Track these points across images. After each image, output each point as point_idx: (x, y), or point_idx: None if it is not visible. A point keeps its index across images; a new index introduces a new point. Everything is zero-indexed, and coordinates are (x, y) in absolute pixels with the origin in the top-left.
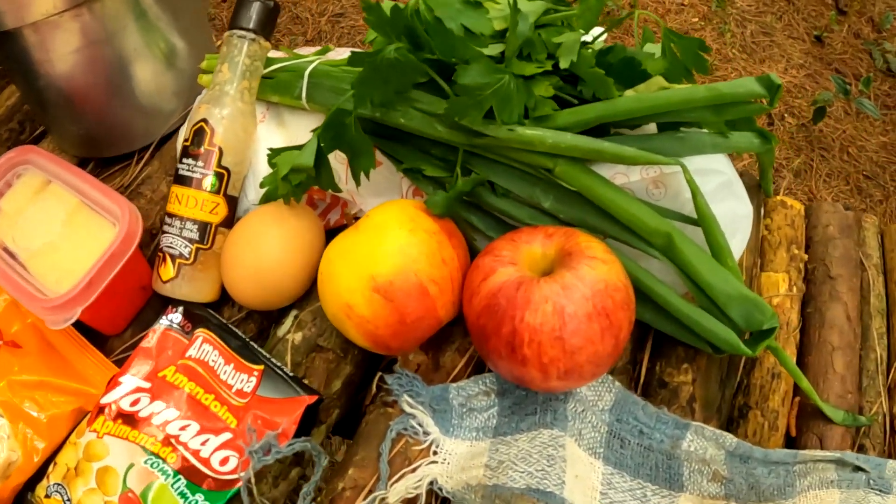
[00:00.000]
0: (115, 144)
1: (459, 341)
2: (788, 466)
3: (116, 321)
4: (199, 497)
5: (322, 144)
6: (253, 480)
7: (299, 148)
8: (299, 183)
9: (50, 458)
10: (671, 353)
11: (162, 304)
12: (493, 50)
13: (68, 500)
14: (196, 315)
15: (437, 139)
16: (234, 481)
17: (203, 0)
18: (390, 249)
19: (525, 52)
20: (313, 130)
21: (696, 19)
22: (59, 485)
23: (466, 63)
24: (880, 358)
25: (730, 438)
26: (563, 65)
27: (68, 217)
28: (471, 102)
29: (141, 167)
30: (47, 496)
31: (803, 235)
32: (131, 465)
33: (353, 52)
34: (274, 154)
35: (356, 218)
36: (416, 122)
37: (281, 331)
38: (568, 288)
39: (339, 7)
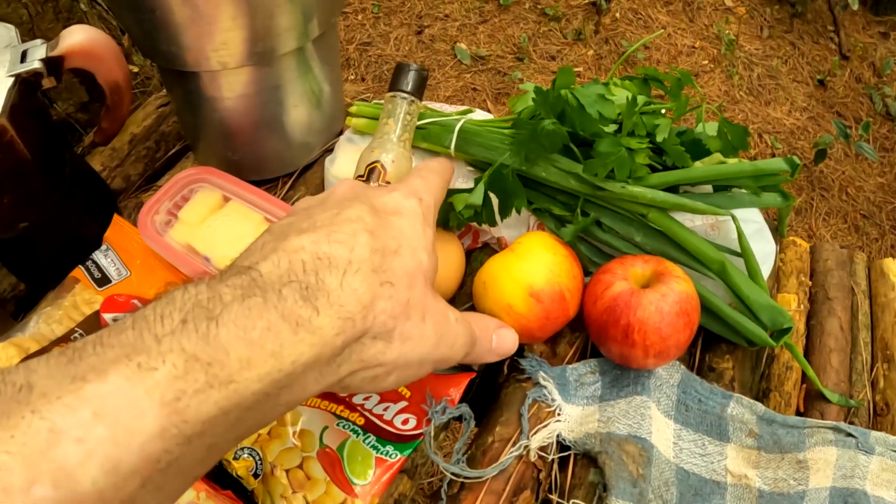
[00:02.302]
0: (263, 170)
1: (569, 336)
2: (800, 429)
3: None
4: (390, 448)
5: (486, 188)
6: (433, 433)
7: (469, 190)
8: (468, 217)
9: None
10: (717, 347)
11: None
12: (612, 129)
13: (260, 459)
14: None
15: (566, 189)
16: (416, 436)
17: (338, 52)
18: (541, 266)
19: (632, 131)
20: (476, 179)
21: (707, 62)
22: (249, 448)
23: (598, 137)
24: (865, 360)
25: (760, 406)
26: (658, 140)
27: (256, 229)
28: (600, 165)
29: (287, 191)
30: (235, 458)
31: (808, 267)
32: (325, 427)
33: (516, 120)
34: (448, 194)
35: (486, 244)
36: (554, 175)
37: None
38: (664, 295)
39: (366, 36)
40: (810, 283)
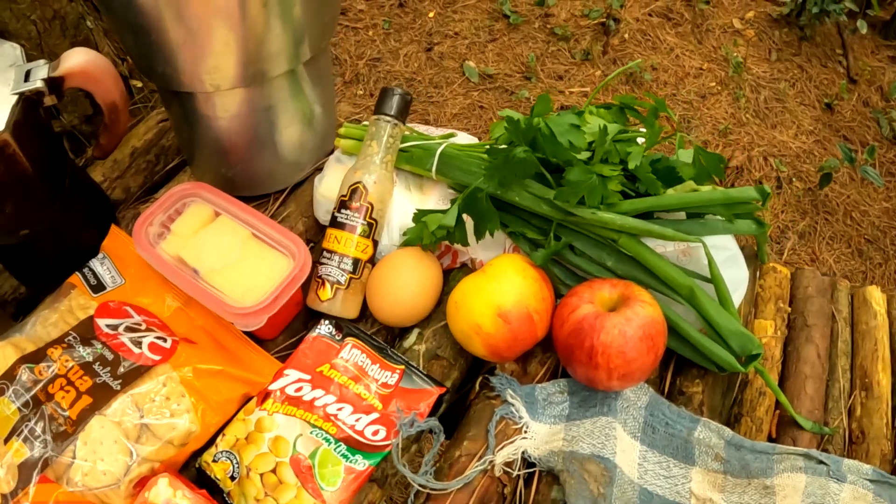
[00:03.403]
0: (256, 187)
1: (540, 356)
2: (769, 455)
3: (275, 328)
4: (359, 457)
5: (460, 210)
6: (401, 444)
7: (443, 212)
8: (441, 237)
9: (217, 433)
10: (688, 371)
11: (308, 317)
12: (584, 156)
13: (237, 463)
14: (343, 327)
15: (539, 213)
16: (385, 446)
17: (333, 74)
18: (510, 288)
19: (604, 158)
20: (452, 200)
21: (714, 84)
22: (228, 452)
23: (570, 164)
24: (843, 388)
25: (728, 431)
26: (630, 167)
27: (242, 244)
28: (571, 192)
29: (277, 207)
30: (214, 461)
31: (788, 293)
32: (299, 435)
33: (490, 147)
34: (421, 214)
35: (464, 264)
36: (527, 200)
37: (407, 343)
38: (629, 319)
39: (376, 52)
40: (790, 309)
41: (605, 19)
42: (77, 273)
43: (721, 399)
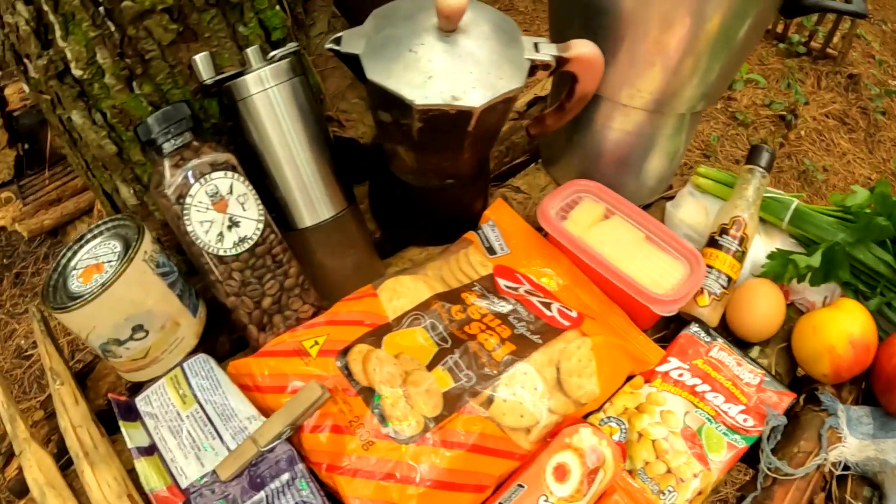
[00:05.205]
0: None
1: (849, 385)
2: None
3: (650, 321)
4: (737, 437)
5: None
6: (769, 431)
7: (808, 254)
8: (803, 274)
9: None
10: None
11: (670, 318)
12: None
13: (625, 428)
14: (710, 329)
15: (876, 271)
16: (756, 432)
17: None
18: (859, 323)
19: None
20: (806, 246)
21: None
22: (615, 418)
23: None
24: None
25: None
26: None
27: (638, 243)
28: None
29: None
30: (601, 423)
31: None
32: (686, 412)
33: (856, 212)
34: (784, 254)
35: (792, 302)
36: (869, 259)
37: (752, 353)
38: None
39: None
40: None
41: (785, 112)
42: (473, 232)
43: None
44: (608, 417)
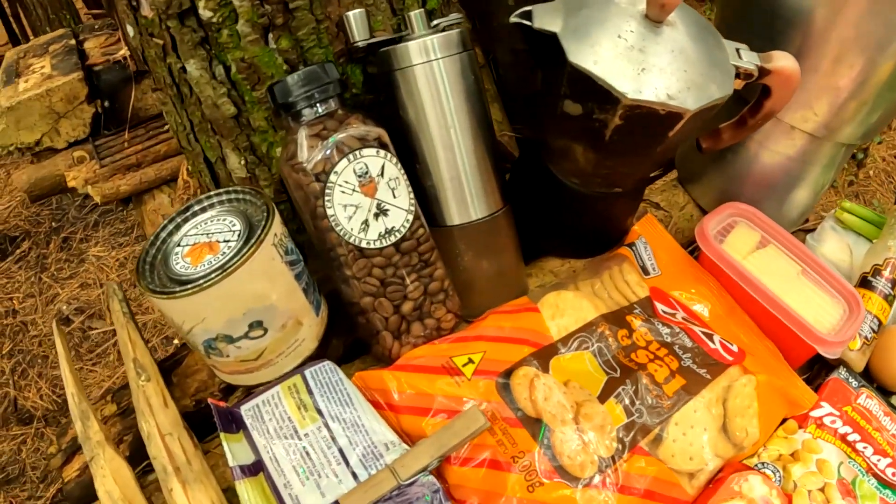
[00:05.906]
0: None
1: None
2: None
3: (797, 361)
4: (888, 492)
5: None
6: None
7: None
8: None
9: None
10: None
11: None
12: None
13: (781, 476)
14: (857, 375)
15: None
16: None
17: None
18: None
19: None
20: None
21: None
22: (770, 465)
23: None
24: None
25: None
26: None
27: (796, 276)
28: None
29: None
30: (757, 467)
31: None
32: (841, 462)
33: None
34: None
35: None
36: None
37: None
38: None
39: None
40: None
41: (856, 150)
42: (628, 248)
43: None
44: (762, 463)
